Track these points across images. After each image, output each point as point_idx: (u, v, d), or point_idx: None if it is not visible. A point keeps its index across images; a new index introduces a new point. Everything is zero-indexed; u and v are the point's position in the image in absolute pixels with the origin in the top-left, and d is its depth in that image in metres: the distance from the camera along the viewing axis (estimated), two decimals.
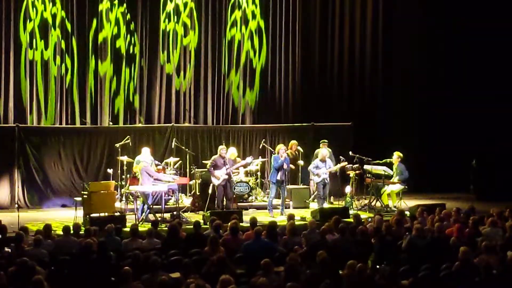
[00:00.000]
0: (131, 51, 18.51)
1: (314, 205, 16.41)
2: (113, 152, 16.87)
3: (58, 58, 17.87)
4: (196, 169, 16.70)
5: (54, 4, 17.74)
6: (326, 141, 16.75)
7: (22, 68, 17.64)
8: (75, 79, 18.07)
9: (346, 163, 16.53)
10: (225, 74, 19.40)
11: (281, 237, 11.08)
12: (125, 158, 16.14)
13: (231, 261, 9.46)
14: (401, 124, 19.90)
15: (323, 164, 15.96)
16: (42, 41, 17.76)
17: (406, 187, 16.65)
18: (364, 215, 14.25)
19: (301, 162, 17.29)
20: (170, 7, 18.78)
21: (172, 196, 16.08)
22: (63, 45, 17.89)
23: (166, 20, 18.80)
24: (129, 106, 18.62)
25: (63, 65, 17.94)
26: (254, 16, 19.63)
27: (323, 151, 16.18)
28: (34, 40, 17.66)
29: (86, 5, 18.03)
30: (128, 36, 18.45)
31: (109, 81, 18.30)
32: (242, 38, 19.50)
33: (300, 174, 17.52)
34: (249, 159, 16.18)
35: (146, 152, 15.29)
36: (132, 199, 15.35)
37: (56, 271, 9.37)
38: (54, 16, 17.81)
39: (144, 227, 12.78)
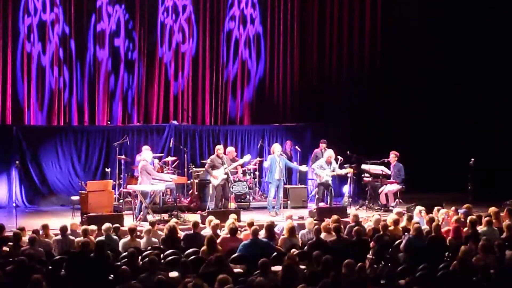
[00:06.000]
0: (130, 49, 18.50)
1: (312, 205, 16.40)
2: (111, 151, 16.88)
3: (56, 56, 17.85)
4: (194, 169, 16.70)
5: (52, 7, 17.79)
6: (325, 141, 16.72)
7: (19, 68, 17.63)
8: (74, 78, 18.06)
9: (351, 170, 16.26)
10: (223, 73, 19.39)
11: (279, 236, 11.10)
12: (123, 157, 16.13)
13: (229, 261, 9.46)
14: (399, 124, 19.88)
15: (328, 165, 15.81)
16: (40, 43, 17.76)
17: (404, 186, 16.65)
18: (362, 215, 14.23)
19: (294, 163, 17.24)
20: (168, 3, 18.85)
21: (170, 195, 16.07)
22: (61, 44, 17.90)
23: (165, 19, 18.83)
24: (127, 105, 18.61)
25: (61, 64, 17.93)
26: (252, 17, 19.62)
27: (329, 152, 16.00)
28: (32, 39, 17.67)
29: (84, 4, 18.06)
30: (127, 34, 18.45)
31: (107, 79, 18.30)
32: (240, 38, 19.50)
33: (297, 174, 17.52)
34: (247, 157, 16.16)
35: (146, 151, 15.28)
36: (130, 199, 15.35)
37: (53, 270, 9.36)
38: (52, 17, 17.83)
39: (142, 227, 12.79)
